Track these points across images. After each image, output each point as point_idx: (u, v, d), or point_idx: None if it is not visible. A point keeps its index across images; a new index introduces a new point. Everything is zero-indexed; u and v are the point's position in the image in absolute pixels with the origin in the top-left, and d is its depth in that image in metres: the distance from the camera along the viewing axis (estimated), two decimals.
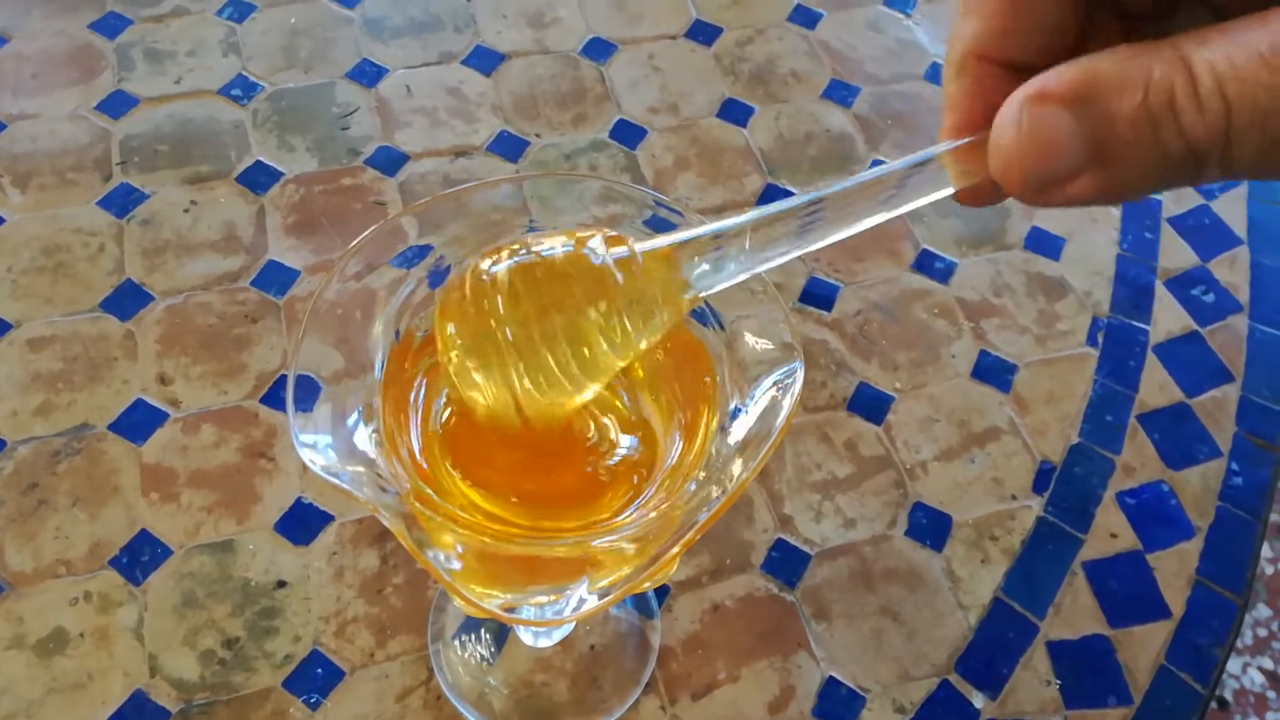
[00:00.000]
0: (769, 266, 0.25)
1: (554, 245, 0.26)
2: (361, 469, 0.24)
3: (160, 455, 0.46)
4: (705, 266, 0.25)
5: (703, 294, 0.25)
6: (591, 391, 0.26)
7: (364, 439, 0.25)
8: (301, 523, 0.44)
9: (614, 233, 0.26)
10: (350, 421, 0.25)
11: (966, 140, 0.22)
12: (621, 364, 0.26)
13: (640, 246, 0.25)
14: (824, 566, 0.45)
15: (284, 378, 0.48)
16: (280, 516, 0.44)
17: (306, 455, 0.24)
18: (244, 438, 0.46)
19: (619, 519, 0.27)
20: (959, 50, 0.22)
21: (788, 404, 0.27)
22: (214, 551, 0.44)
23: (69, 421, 0.47)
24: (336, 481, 0.24)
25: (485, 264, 0.25)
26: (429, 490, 0.26)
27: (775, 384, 0.27)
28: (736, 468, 0.26)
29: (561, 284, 0.25)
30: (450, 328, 0.25)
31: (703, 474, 0.26)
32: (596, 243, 0.26)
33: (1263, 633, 1.25)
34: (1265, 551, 1.31)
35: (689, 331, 0.31)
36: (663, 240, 0.25)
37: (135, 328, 0.49)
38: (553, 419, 0.26)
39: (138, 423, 0.47)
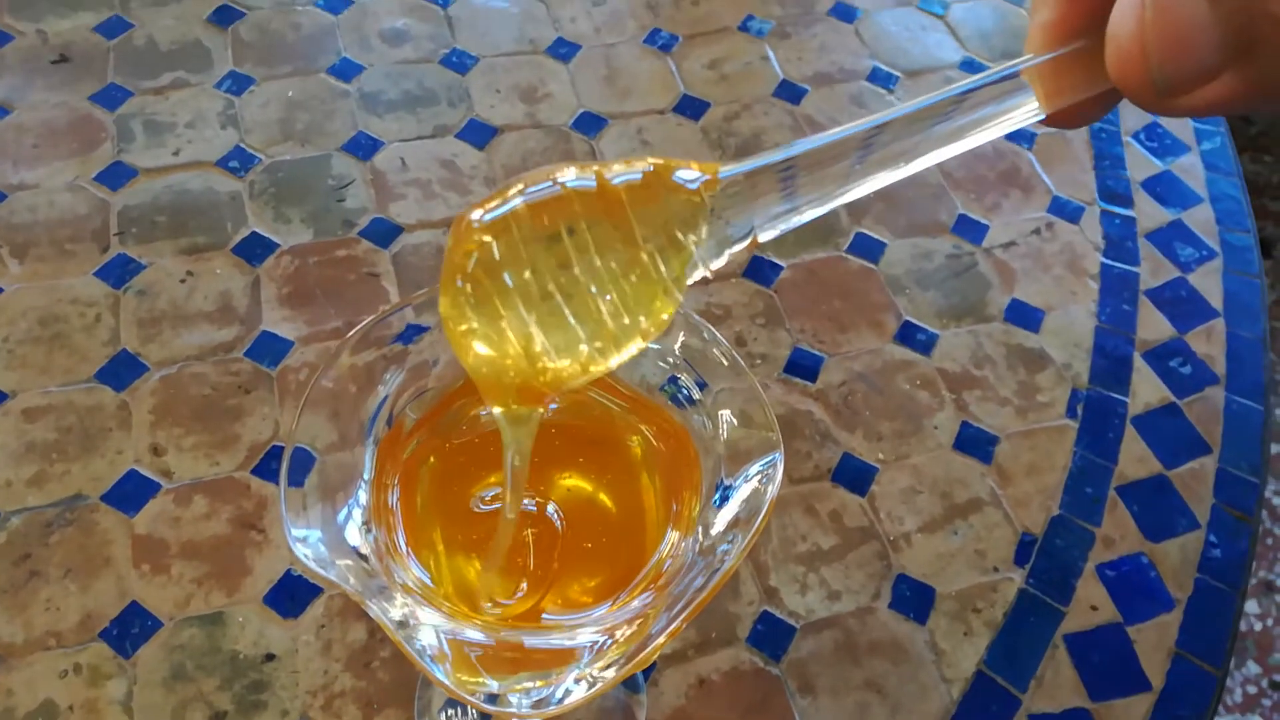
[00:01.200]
0: (811, 215, 0.22)
1: (572, 177, 0.23)
2: (349, 562, 0.25)
3: (152, 526, 0.46)
4: (739, 210, 0.22)
5: (736, 244, 0.23)
6: (630, 349, 0.23)
7: (354, 532, 0.26)
8: (290, 595, 0.45)
9: (652, 162, 0.23)
10: (340, 516, 0.26)
11: (1056, 53, 0.19)
12: (665, 311, 0.23)
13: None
14: (809, 639, 0.46)
15: (275, 449, 0.49)
16: (270, 589, 0.45)
17: (298, 550, 0.24)
18: (235, 509, 0.47)
19: (604, 609, 0.27)
20: None
21: (770, 492, 0.27)
22: (204, 624, 0.44)
23: (62, 492, 0.47)
24: (325, 574, 0.24)
25: (476, 214, 0.23)
26: (415, 580, 0.26)
27: (758, 473, 0.28)
28: (719, 557, 0.27)
29: (587, 220, 0.22)
30: (458, 282, 0.23)
31: (687, 562, 0.27)
32: (622, 170, 0.23)
33: (1252, 690, 1.25)
34: (1252, 608, 1.31)
35: (673, 418, 0.32)
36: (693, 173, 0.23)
37: (130, 398, 0.50)
38: (573, 382, 0.24)
39: (130, 494, 0.47)
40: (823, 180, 0.22)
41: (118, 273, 0.54)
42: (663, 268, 0.23)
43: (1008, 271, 0.59)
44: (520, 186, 0.23)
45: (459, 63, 0.66)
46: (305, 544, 0.24)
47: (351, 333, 0.30)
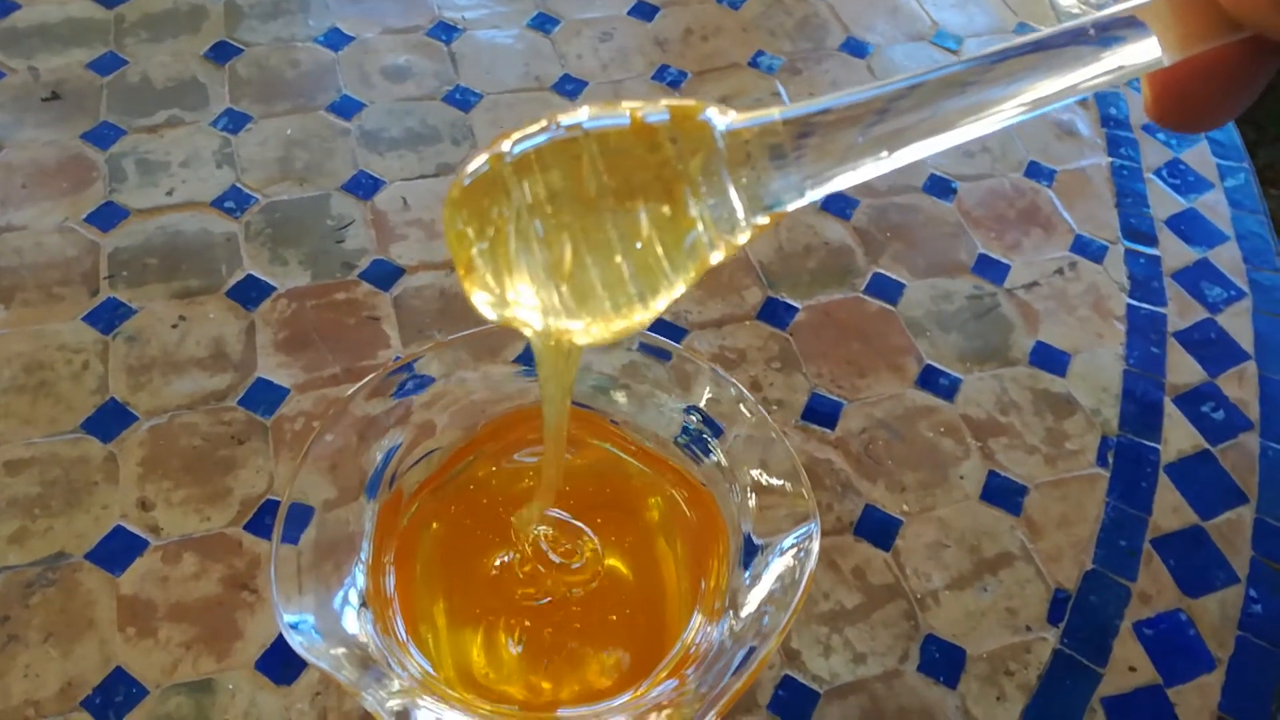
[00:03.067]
0: (833, 186, 0.21)
1: (602, 118, 0.21)
2: (343, 650, 0.22)
3: (138, 586, 0.44)
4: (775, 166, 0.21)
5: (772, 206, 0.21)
6: (652, 310, 0.22)
7: (351, 618, 0.23)
8: (284, 660, 0.42)
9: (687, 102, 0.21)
10: (336, 600, 0.23)
11: None
12: (683, 278, 0.22)
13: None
14: (834, 706, 0.43)
15: (269, 503, 0.47)
16: (262, 654, 0.42)
17: (292, 640, 0.22)
18: (226, 568, 0.44)
19: (625, 698, 0.25)
20: None
21: (808, 567, 0.25)
22: (192, 692, 0.41)
23: (45, 550, 0.45)
24: (318, 663, 0.22)
25: (507, 145, 0.21)
26: (416, 667, 0.24)
27: (793, 546, 0.26)
28: (754, 640, 0.24)
29: (618, 164, 0.21)
30: (460, 224, 0.21)
31: (716, 647, 0.25)
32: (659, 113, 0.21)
33: None
34: None
35: (697, 481, 0.30)
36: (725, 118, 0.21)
37: (117, 449, 0.48)
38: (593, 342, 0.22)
39: (116, 551, 0.45)
40: (889, 131, 0.20)
41: (107, 318, 0.52)
42: (693, 209, 0.21)
43: (1031, 313, 0.57)
44: (523, 133, 0.22)
45: (462, 100, 0.64)
46: (298, 631, 0.22)
47: (354, 389, 0.27)
